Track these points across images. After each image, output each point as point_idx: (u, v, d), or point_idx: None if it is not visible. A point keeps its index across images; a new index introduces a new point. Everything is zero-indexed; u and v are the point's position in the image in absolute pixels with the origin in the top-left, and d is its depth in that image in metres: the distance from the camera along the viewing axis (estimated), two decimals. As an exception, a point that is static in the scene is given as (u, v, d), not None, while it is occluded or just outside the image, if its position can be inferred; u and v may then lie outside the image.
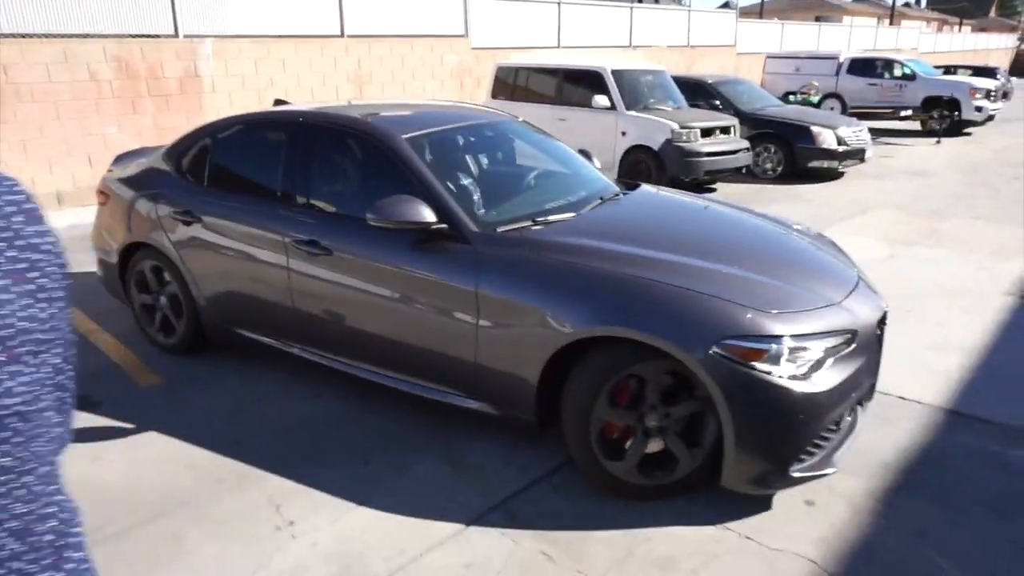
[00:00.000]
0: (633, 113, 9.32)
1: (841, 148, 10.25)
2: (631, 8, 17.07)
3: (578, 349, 2.89)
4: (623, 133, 9.34)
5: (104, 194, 4.69)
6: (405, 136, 3.59)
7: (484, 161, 4.27)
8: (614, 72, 9.62)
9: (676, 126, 8.94)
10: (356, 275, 3.43)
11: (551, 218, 3.44)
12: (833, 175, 10.63)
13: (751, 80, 13.74)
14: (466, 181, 3.70)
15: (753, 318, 2.71)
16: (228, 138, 4.27)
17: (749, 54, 21.50)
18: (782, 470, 2.73)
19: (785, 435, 2.70)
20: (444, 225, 3.20)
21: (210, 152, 4.26)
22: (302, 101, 10.45)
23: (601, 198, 3.86)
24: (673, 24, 18.63)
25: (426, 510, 2.94)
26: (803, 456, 2.77)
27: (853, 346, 2.85)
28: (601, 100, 9.36)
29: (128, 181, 4.56)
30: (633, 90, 9.70)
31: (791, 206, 8.72)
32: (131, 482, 3.15)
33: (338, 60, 11.31)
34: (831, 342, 2.78)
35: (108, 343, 4.67)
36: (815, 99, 16.37)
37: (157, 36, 9.41)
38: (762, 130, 10.49)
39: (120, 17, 9.10)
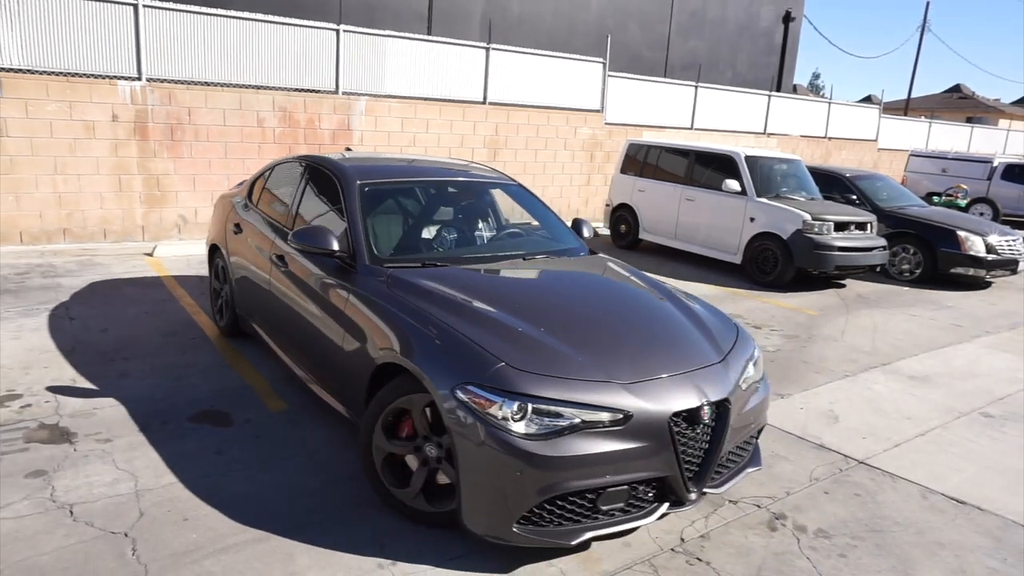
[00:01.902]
0: (764, 200, 9.18)
1: (990, 256, 9.59)
2: (769, 96, 16.99)
3: (389, 377, 3.25)
4: (751, 219, 9.20)
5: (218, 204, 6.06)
6: (360, 181, 4.26)
7: (431, 211, 4.75)
8: (747, 158, 9.56)
9: (808, 216, 8.71)
10: (300, 288, 4.15)
11: (438, 263, 3.92)
12: (978, 284, 9.94)
13: (891, 177, 13.22)
14: (394, 224, 4.36)
15: (500, 371, 2.86)
16: (272, 170, 5.43)
17: (891, 150, 20.76)
18: (505, 523, 2.82)
19: (508, 487, 2.77)
20: (344, 254, 3.84)
21: (260, 181, 5.50)
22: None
23: (523, 257, 4.29)
24: (811, 114, 18.33)
25: (524, 574, 2.93)
26: (535, 517, 2.84)
27: (622, 427, 2.84)
28: (732, 184, 9.30)
29: (227, 195, 5.96)
30: (765, 177, 9.59)
31: (929, 312, 8.21)
32: (253, 500, 3.34)
33: (477, 125, 11.91)
34: (590, 415, 2.81)
35: (244, 366, 5.03)
36: (962, 203, 15.47)
37: (319, 91, 10.32)
38: (902, 229, 10.01)
39: (290, 72, 10.08)
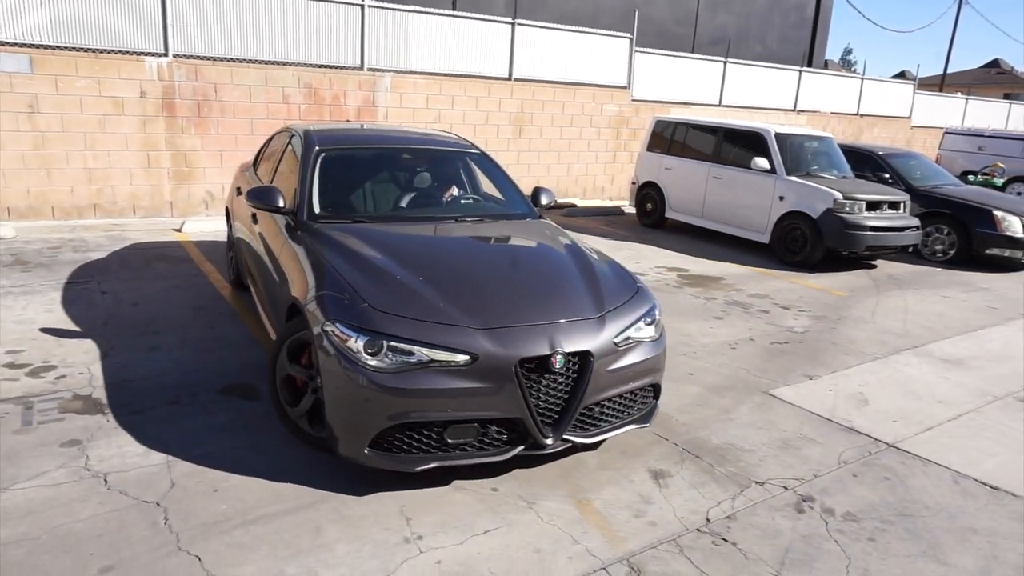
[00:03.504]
0: (793, 179, 9.01)
1: (1027, 237, 9.33)
2: (800, 72, 16.61)
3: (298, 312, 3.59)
4: (780, 198, 9.04)
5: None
6: (319, 147, 4.75)
7: (382, 176, 5.07)
8: (777, 135, 9.37)
9: (839, 195, 8.54)
10: (262, 241, 4.65)
11: (365, 221, 4.36)
12: (1014, 265, 9.69)
13: (925, 155, 12.90)
14: (343, 186, 4.71)
15: (362, 311, 3.22)
16: (272, 139, 5.97)
17: (925, 127, 20.23)
18: (358, 446, 3.14)
19: (359, 413, 3.10)
20: (291, 211, 4.31)
21: (263, 148, 6.15)
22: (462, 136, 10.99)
23: (456, 219, 4.63)
24: (843, 91, 17.90)
25: (548, 549, 2.94)
26: (387, 444, 3.16)
27: (467, 367, 3.10)
28: (761, 162, 9.14)
29: (244, 164, 6.65)
30: (795, 155, 9.40)
31: (962, 294, 8.03)
32: (280, 472, 3.38)
33: (503, 102, 11.81)
34: (440, 355, 3.11)
35: (271, 341, 5.07)
36: (999, 181, 15.07)
37: (344, 68, 10.29)
38: (935, 209, 9.78)
39: (315, 48, 10.04)
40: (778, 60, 18.40)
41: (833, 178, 9.32)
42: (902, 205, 9.11)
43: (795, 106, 16.61)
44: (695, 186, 10.19)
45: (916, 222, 9.10)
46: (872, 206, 8.70)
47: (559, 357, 3.22)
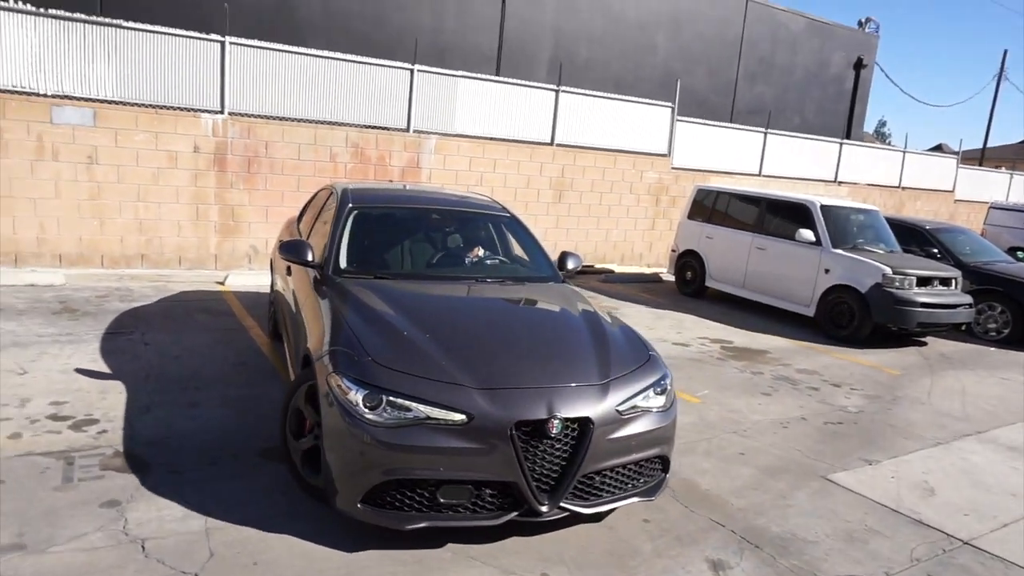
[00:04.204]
0: (840, 251, 8.85)
1: (1086, 319, 8.98)
2: (840, 144, 16.59)
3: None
4: (826, 271, 8.87)
5: None
6: (352, 205, 4.90)
7: (410, 234, 5.14)
8: (823, 207, 9.27)
9: (889, 270, 8.34)
10: (294, 292, 4.76)
11: (387, 277, 4.44)
12: (1072, 348, 9.31)
13: (973, 230, 12.66)
14: (372, 242, 4.85)
15: (364, 365, 3.25)
16: (316, 195, 6.21)
17: (968, 201, 19.96)
18: (352, 500, 3.12)
19: (354, 466, 3.10)
20: (319, 265, 4.45)
21: (308, 204, 6.32)
22: (502, 200, 11.08)
23: (477, 279, 4.67)
24: (884, 163, 17.81)
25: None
26: (378, 499, 3.12)
27: (462, 426, 3.07)
28: (806, 234, 9.01)
29: (292, 218, 6.90)
30: (842, 227, 9.26)
31: (1020, 376, 7.69)
32: (319, 535, 3.24)
33: (544, 166, 11.92)
34: (437, 412, 3.09)
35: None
36: (1048, 259, 14.67)
37: (391, 129, 10.51)
38: (988, 286, 9.50)
39: (364, 109, 10.30)
40: (816, 131, 18.43)
41: (881, 252, 9.14)
42: (954, 281, 8.87)
43: (836, 178, 16.53)
44: (737, 256, 10.07)
45: (969, 299, 8.83)
46: (923, 282, 8.48)
47: (556, 422, 3.16)
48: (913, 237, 10.37)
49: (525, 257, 5.27)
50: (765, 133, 15.05)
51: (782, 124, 18.75)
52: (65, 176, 8.47)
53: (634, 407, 3.45)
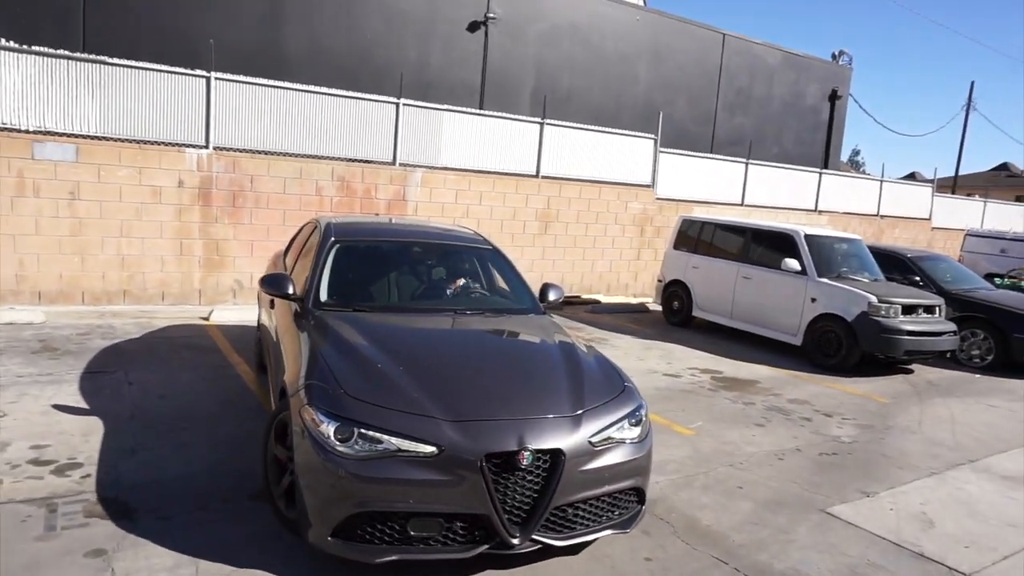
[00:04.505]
0: (825, 280, 8.93)
1: (1067, 344, 9.10)
2: (820, 173, 16.87)
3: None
4: (812, 300, 8.93)
5: None
6: (335, 239, 4.93)
7: (392, 267, 5.16)
8: (807, 236, 9.37)
9: (874, 299, 8.41)
10: (277, 324, 4.77)
11: (365, 310, 4.47)
12: (1055, 373, 9.42)
13: (952, 257, 12.86)
14: (353, 275, 4.87)
15: (336, 397, 3.27)
16: (302, 228, 6.14)
17: (944, 229, 20.32)
18: (322, 533, 3.11)
19: (324, 499, 3.11)
20: (300, 298, 4.48)
21: (295, 237, 6.36)
22: (489, 232, 11.09)
23: (455, 311, 4.71)
24: (862, 192, 18.13)
25: None
26: (349, 531, 3.10)
27: (432, 459, 3.07)
28: (791, 263, 9.09)
29: (279, 252, 6.92)
30: (826, 257, 9.35)
31: (1007, 402, 7.75)
32: (317, 592, 3.13)
33: (530, 198, 11.98)
34: (407, 445, 3.09)
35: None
36: (1025, 285, 14.92)
37: (377, 162, 10.52)
38: (970, 313, 9.62)
39: (350, 143, 10.31)
40: (794, 161, 18.75)
41: (865, 280, 9.23)
42: (937, 309, 8.97)
43: (816, 206, 16.78)
44: (723, 286, 10.12)
45: (953, 327, 8.93)
46: (908, 310, 8.56)
47: (527, 454, 3.14)
48: (895, 265, 10.50)
49: (507, 288, 5.30)
50: (746, 163, 15.27)
51: (761, 154, 19.04)
52: (46, 212, 8.36)
53: (608, 438, 3.44)
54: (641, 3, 18.89)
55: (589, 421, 3.42)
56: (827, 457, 5.54)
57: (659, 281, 11.36)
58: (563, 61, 16.10)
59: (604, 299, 12.71)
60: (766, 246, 9.77)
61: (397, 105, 10.61)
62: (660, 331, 10.35)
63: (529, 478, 3.18)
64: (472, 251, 5.48)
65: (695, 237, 10.80)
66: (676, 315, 10.92)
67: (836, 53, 22.87)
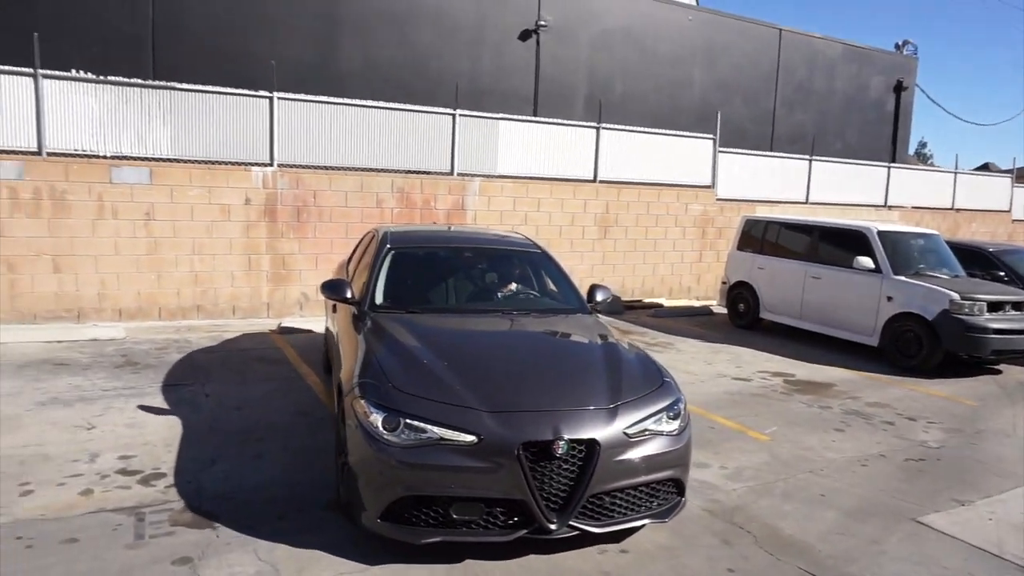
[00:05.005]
0: (902, 278, 8.55)
1: None
2: (888, 167, 16.24)
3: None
4: (888, 298, 8.56)
5: None
6: (390, 246, 5.24)
7: (445, 271, 5.43)
8: (880, 233, 9.00)
9: (957, 296, 8.00)
10: (338, 327, 5.10)
11: (417, 311, 4.73)
12: None
13: (1037, 251, 12.15)
14: (408, 279, 5.16)
15: (385, 390, 3.53)
16: (364, 237, 6.52)
17: (1026, 222, 19.29)
18: (372, 516, 3.35)
19: (374, 484, 3.35)
20: (357, 301, 4.78)
21: (357, 245, 6.69)
22: (548, 238, 11.06)
23: (503, 311, 4.94)
24: (934, 185, 17.35)
25: None
26: (395, 515, 3.32)
27: (472, 447, 3.27)
28: (864, 261, 8.74)
29: (344, 261, 7.24)
30: (902, 253, 8.96)
31: (1109, 403, 7.25)
32: (397, 602, 3.13)
33: (588, 203, 11.89)
34: (449, 434, 3.31)
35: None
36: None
37: (435, 173, 10.62)
38: (1061, 309, 9.05)
39: (408, 155, 10.44)
40: (859, 156, 18.07)
41: (945, 277, 8.81)
42: (1026, 305, 8.47)
43: (885, 202, 16.14)
44: (791, 286, 9.81)
45: (1044, 324, 8.41)
46: (994, 307, 8.11)
47: (562, 443, 3.30)
48: (976, 261, 10.00)
49: (555, 290, 5.48)
50: (810, 160, 14.82)
51: (823, 150, 18.43)
52: (124, 233, 8.72)
53: (644, 430, 3.57)
54: (693, 2, 18.59)
55: (625, 413, 3.56)
56: (914, 463, 5.27)
57: (723, 283, 11.10)
58: (616, 65, 15.95)
59: (666, 303, 12.49)
60: (835, 244, 9.42)
61: (453, 116, 10.69)
62: (726, 334, 10.10)
63: (565, 467, 3.34)
64: (521, 255, 5.69)
65: (759, 237, 10.51)
66: (742, 317, 10.63)
67: (900, 43, 22.02)
